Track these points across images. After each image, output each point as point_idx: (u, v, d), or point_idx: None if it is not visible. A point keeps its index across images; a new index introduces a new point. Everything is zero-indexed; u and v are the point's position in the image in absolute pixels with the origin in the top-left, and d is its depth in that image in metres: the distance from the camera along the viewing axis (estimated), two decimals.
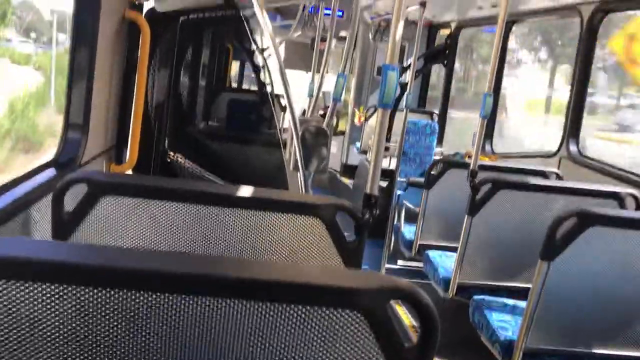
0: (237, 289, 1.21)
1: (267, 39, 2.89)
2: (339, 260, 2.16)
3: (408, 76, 5.76)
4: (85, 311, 1.15)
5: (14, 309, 1.12)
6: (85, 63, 2.51)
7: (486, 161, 5.29)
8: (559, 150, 5.08)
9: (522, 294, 3.61)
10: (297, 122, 3.06)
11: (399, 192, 5.64)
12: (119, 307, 1.16)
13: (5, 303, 1.11)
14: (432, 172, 4.56)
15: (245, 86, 9.24)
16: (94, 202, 2.02)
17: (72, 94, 2.52)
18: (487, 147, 6.26)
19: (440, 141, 7.36)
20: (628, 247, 2.79)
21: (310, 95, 5.08)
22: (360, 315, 1.21)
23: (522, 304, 3.31)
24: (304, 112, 6.53)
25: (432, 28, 8.10)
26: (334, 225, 2.11)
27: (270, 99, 4.75)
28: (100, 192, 2.01)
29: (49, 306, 1.13)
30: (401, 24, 2.11)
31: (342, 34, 7.52)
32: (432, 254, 4.46)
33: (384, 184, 6.01)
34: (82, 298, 1.14)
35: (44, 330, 1.15)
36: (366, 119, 7.72)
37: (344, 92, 3.53)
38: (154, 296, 1.17)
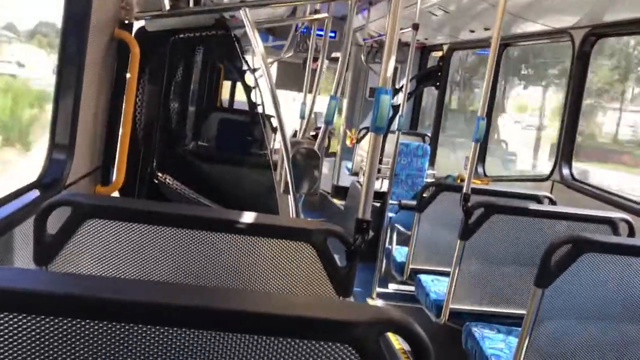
0: (224, 321, 1.15)
1: (259, 59, 2.86)
2: (330, 286, 2.10)
3: (400, 98, 5.75)
4: (62, 343, 1.09)
5: None
6: (73, 81, 2.46)
7: (478, 184, 5.26)
8: (551, 174, 5.06)
9: (515, 320, 3.55)
10: (289, 143, 3.02)
11: (390, 214, 5.59)
12: (98, 339, 1.11)
13: None
14: (424, 195, 4.52)
15: (236, 107, 9.22)
16: (77, 225, 1.96)
17: (59, 113, 2.46)
18: (480, 170, 6.24)
19: (432, 163, 7.35)
20: (622, 274, 2.75)
21: (302, 117, 5.06)
22: (352, 348, 1.15)
23: (516, 331, 3.25)
24: (295, 134, 6.51)
25: (425, 50, 8.13)
26: (326, 251, 2.06)
27: (261, 120, 4.71)
28: (85, 215, 1.95)
29: (22, 337, 1.07)
30: (394, 46, 2.08)
31: (334, 54, 7.54)
32: (424, 278, 4.41)
33: (376, 205, 5.97)
34: (60, 329, 1.08)
35: None
36: (358, 141, 7.71)
37: (335, 114, 3.50)
38: (135, 328, 1.11)
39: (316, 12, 5.02)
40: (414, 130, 8.31)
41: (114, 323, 1.11)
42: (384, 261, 5.40)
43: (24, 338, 1.08)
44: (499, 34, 3.54)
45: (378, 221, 5.49)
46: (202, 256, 2.04)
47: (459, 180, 6.16)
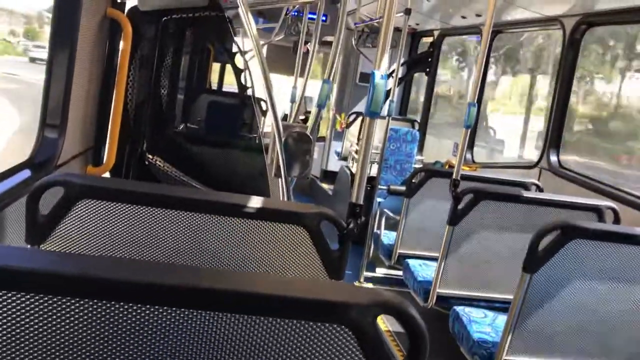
0: (221, 301, 1.16)
1: (251, 42, 2.84)
2: (322, 269, 2.12)
3: (390, 83, 5.74)
4: (52, 321, 1.09)
5: None
6: (65, 60, 2.44)
7: (467, 171, 5.29)
8: (539, 161, 5.09)
9: (502, 305, 3.60)
10: (281, 126, 3.01)
11: (379, 199, 5.61)
12: (89, 318, 1.11)
13: None
14: (414, 181, 4.54)
15: (226, 89, 9.16)
16: (70, 205, 1.95)
17: (50, 92, 2.44)
18: (468, 156, 6.27)
19: (420, 149, 7.37)
20: (609, 260, 2.79)
21: (293, 101, 5.04)
22: (348, 329, 1.17)
23: (503, 315, 3.30)
24: (285, 117, 6.48)
25: (415, 35, 8.11)
26: (319, 234, 2.07)
27: (252, 103, 4.70)
28: (78, 196, 1.94)
29: (15, 314, 1.07)
30: (390, 30, 2.08)
31: (325, 38, 7.49)
32: (412, 262, 4.44)
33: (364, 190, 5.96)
34: (52, 307, 1.08)
35: (6, 339, 1.09)
36: (347, 126, 7.69)
37: (328, 98, 3.49)
38: (126, 307, 1.12)
39: None
40: (404, 115, 8.31)
41: (104, 301, 1.11)
42: (372, 246, 5.42)
43: (14, 315, 1.08)
44: (491, 20, 3.54)
45: (367, 206, 5.50)
46: (196, 238, 2.05)
47: (446, 167, 6.19)
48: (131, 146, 3.33)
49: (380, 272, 5.61)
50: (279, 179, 3.08)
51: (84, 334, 1.12)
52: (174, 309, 1.13)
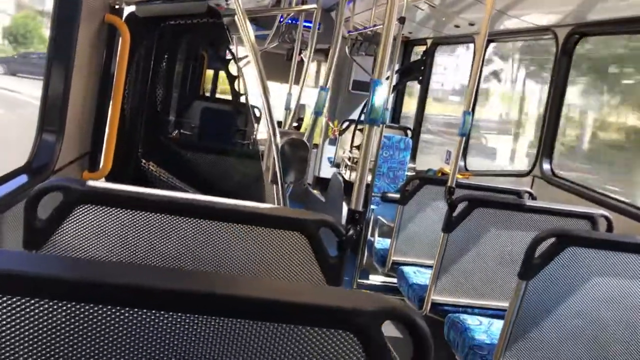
0: (228, 307, 1.15)
1: (248, 49, 2.85)
2: (321, 275, 2.12)
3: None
4: (52, 326, 1.09)
5: None
6: (63, 65, 2.44)
7: (460, 178, 5.32)
8: (532, 169, 5.13)
9: (497, 312, 3.61)
10: (278, 134, 3.02)
11: (372, 206, 5.62)
12: (89, 323, 1.10)
13: None
14: (407, 188, 4.55)
15: (222, 96, 9.17)
16: (69, 211, 1.94)
17: (48, 97, 2.44)
18: (461, 164, 6.30)
19: (413, 157, 7.39)
20: (604, 268, 2.81)
21: (287, 108, 5.05)
22: (354, 336, 1.17)
23: (498, 322, 3.31)
24: (280, 124, 6.48)
25: (408, 44, 8.16)
26: (318, 241, 2.07)
27: (247, 109, 4.70)
28: (77, 201, 1.93)
29: (12, 319, 1.07)
30: (391, 39, 2.10)
31: (318, 46, 7.50)
32: (406, 269, 4.45)
33: None
34: (49, 312, 1.08)
35: (4, 344, 1.08)
36: (340, 133, 7.71)
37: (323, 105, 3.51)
38: (123, 312, 1.11)
39: (303, 2, 5.00)
40: (396, 123, 8.34)
41: (103, 306, 1.10)
42: (366, 253, 5.43)
43: (12, 320, 1.07)
44: (487, 29, 3.57)
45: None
46: (195, 243, 2.04)
47: (439, 174, 6.21)
48: (128, 152, 3.32)
49: (374, 279, 5.61)
50: (275, 186, 3.08)
51: (82, 338, 1.11)
52: (175, 314, 1.13)
